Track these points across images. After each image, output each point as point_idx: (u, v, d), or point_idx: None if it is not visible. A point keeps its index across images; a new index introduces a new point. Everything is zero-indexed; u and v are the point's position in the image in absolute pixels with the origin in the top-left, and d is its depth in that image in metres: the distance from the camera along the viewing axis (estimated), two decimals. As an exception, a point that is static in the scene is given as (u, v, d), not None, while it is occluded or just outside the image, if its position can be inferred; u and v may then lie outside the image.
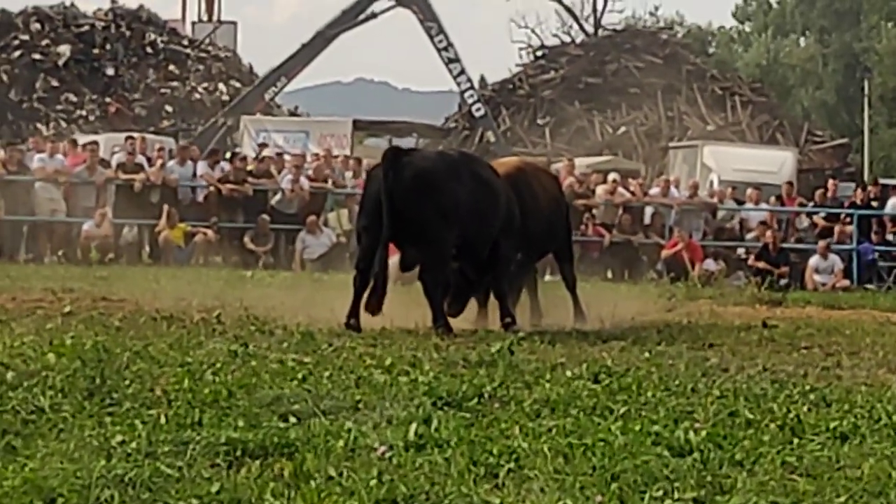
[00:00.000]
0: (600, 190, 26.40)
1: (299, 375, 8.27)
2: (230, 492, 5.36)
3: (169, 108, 45.54)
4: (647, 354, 10.50)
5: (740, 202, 27.28)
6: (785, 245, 25.37)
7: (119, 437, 6.09)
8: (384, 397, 7.56)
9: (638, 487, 5.58)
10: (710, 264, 24.79)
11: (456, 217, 12.39)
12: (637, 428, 6.66)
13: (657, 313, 15.66)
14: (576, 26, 57.82)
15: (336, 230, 25.12)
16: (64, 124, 42.98)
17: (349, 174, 27.05)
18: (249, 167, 26.39)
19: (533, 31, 58.22)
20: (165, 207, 24.13)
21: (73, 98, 44.61)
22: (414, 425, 6.44)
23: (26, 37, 45.60)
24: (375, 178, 12.42)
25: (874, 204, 26.86)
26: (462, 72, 40.41)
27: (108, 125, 41.63)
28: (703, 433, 6.51)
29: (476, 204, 12.59)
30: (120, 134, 32.10)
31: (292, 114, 46.49)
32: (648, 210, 26.59)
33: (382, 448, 6.04)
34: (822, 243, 24.97)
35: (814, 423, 7.11)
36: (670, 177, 30.08)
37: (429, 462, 5.85)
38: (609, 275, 24.46)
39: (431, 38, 39.90)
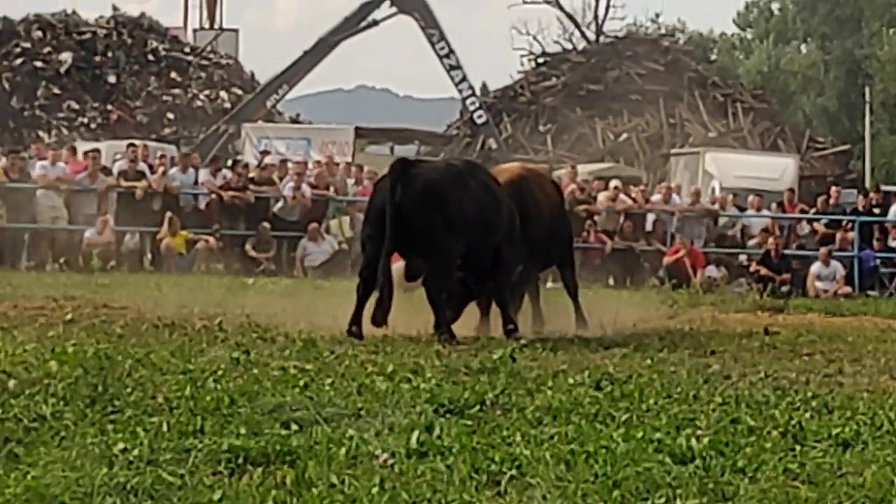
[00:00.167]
0: (602, 197, 26.41)
1: (301, 383, 8.28)
2: (232, 499, 5.36)
3: (170, 116, 45.53)
4: (648, 361, 10.50)
5: (742, 209, 27.27)
6: (786, 252, 25.37)
7: (121, 445, 6.09)
8: (386, 404, 7.56)
9: (640, 495, 5.58)
10: (711, 271, 24.80)
11: (463, 228, 12.46)
12: (639, 435, 6.66)
13: (659, 320, 15.66)
14: (577, 33, 57.86)
15: (338, 237, 25.12)
16: (65, 132, 42.99)
17: (351, 181, 27.06)
18: (251, 174, 26.39)
19: (534, 38, 58.20)
20: (167, 215, 24.12)
21: (74, 105, 44.61)
22: (416, 433, 6.44)
23: (28, 44, 45.61)
24: (383, 189, 12.43)
25: (876, 211, 26.84)
26: (464, 79, 40.39)
27: (110, 133, 41.64)
28: (706, 440, 6.50)
29: (481, 214, 12.66)
30: (122, 141, 32.06)
31: (294, 121, 46.46)
32: (650, 217, 26.60)
33: (384, 455, 6.04)
34: (823, 250, 24.97)
35: (816, 430, 7.11)
36: (672, 184, 30.09)
37: (431, 469, 5.85)
38: (611, 281, 24.47)
39: (433, 45, 39.90)
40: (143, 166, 25.53)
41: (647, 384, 8.82)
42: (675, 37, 60.52)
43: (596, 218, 25.86)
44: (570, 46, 54.04)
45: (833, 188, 28.88)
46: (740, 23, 72.40)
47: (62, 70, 45.18)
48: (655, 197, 27.12)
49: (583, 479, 5.78)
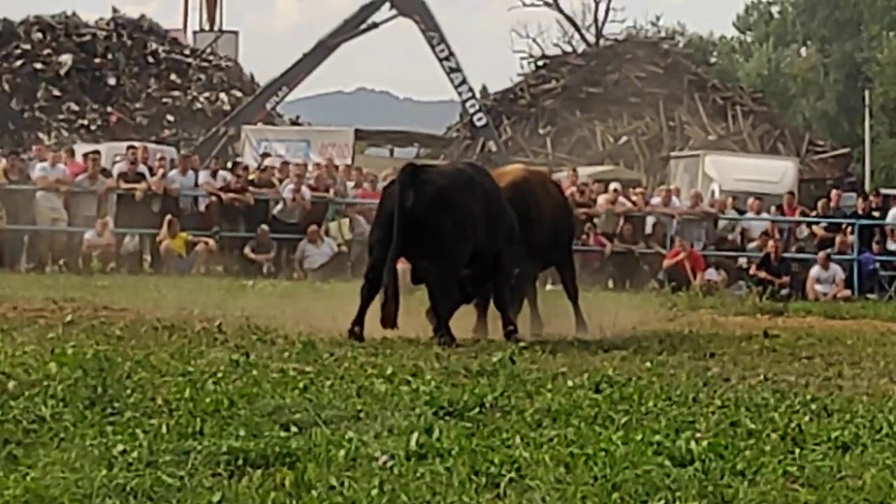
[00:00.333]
0: (601, 199, 26.41)
1: (300, 385, 8.28)
2: (231, 501, 5.36)
3: (170, 118, 45.54)
4: (648, 364, 10.51)
5: (742, 212, 27.27)
6: (786, 255, 25.36)
7: (120, 447, 6.10)
8: (385, 407, 7.57)
9: (639, 497, 5.58)
10: (711, 274, 24.79)
11: (471, 232, 12.53)
12: (638, 438, 6.66)
13: (658, 323, 15.67)
14: (577, 36, 57.97)
15: (337, 240, 25.12)
16: (65, 133, 42.99)
17: (350, 184, 27.06)
18: (251, 176, 26.39)
19: (534, 40, 58.34)
20: (167, 217, 24.11)
21: (74, 107, 44.62)
22: (415, 435, 6.44)
23: (28, 46, 45.62)
24: (393, 193, 12.47)
25: (875, 214, 26.84)
26: (463, 81, 40.40)
27: (110, 134, 41.65)
28: (705, 443, 6.50)
29: (486, 217, 12.72)
30: (121, 143, 32.08)
31: (294, 123, 46.47)
32: (650, 220, 26.59)
33: (384, 457, 6.04)
34: (822, 254, 24.96)
35: (815, 433, 7.11)
36: (671, 186, 30.08)
37: (430, 471, 5.85)
38: (610, 284, 24.46)
39: (433, 47, 39.91)
40: (142, 168, 25.51)
41: (646, 387, 8.83)
42: (675, 40, 60.51)
43: (595, 220, 25.85)
44: (569, 49, 54.12)
45: (834, 191, 28.85)
46: (740, 26, 72.47)
47: (62, 72, 45.19)
48: (655, 200, 27.11)
49: (582, 481, 5.78)
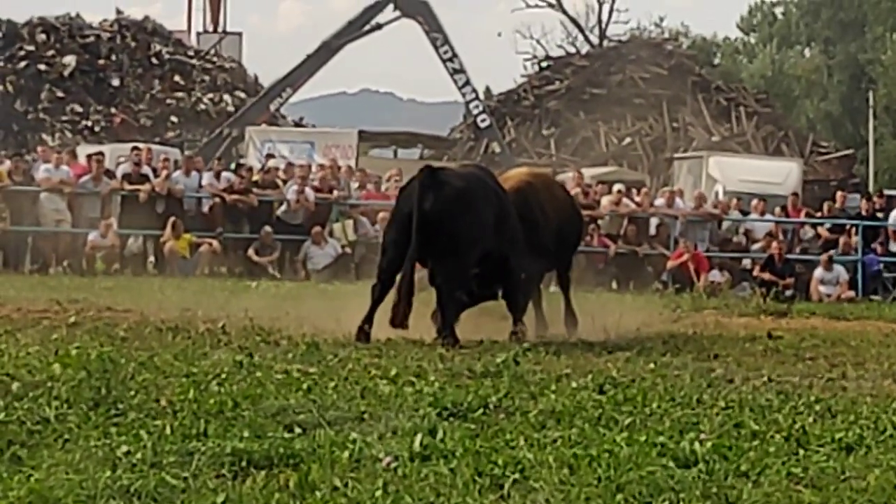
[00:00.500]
0: (605, 200, 26.39)
1: (304, 386, 8.29)
2: (235, 502, 5.37)
3: (174, 119, 45.55)
4: (652, 365, 10.50)
5: (745, 213, 27.25)
6: (790, 256, 25.34)
7: (124, 448, 6.10)
8: (389, 408, 7.57)
9: (643, 498, 5.58)
10: (715, 275, 24.77)
11: (484, 235, 12.58)
12: (642, 439, 6.67)
13: (662, 324, 15.65)
14: (581, 37, 57.90)
15: (341, 241, 25.11)
16: (69, 135, 43.00)
17: (355, 185, 27.06)
18: (254, 178, 26.39)
19: (538, 41, 58.28)
20: (170, 218, 24.10)
21: (78, 109, 44.64)
22: (419, 436, 6.44)
23: (32, 47, 45.64)
24: (409, 194, 12.51)
25: (879, 215, 26.82)
26: (467, 82, 40.40)
27: (114, 136, 41.64)
28: (709, 444, 6.50)
29: (495, 220, 12.76)
30: (125, 144, 32.12)
31: (297, 124, 46.48)
32: (653, 221, 26.58)
33: (387, 459, 6.04)
34: (823, 256, 24.93)
35: (819, 434, 7.11)
36: (675, 187, 30.06)
37: (434, 473, 5.85)
38: (614, 285, 24.45)
39: (437, 48, 39.91)
40: (146, 169, 25.51)
41: (650, 388, 8.83)
42: (679, 41, 60.50)
43: (599, 222, 25.84)
44: (573, 50, 54.03)
45: (839, 193, 28.82)
46: (744, 27, 72.44)
47: (66, 73, 45.21)
48: (659, 201, 27.08)
49: (586, 482, 5.78)
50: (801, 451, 6.64)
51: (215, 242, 24.34)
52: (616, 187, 27.07)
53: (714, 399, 8.44)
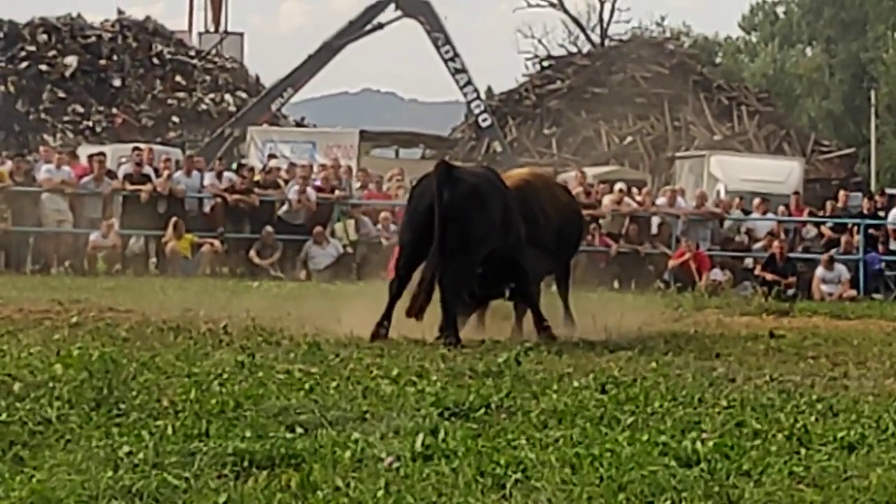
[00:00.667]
0: (607, 200, 26.40)
1: (306, 386, 8.29)
2: (237, 502, 5.37)
3: (175, 119, 45.55)
4: (653, 364, 10.50)
5: (747, 212, 27.25)
6: (792, 255, 25.33)
7: (126, 448, 6.10)
8: (391, 408, 7.57)
9: (645, 498, 5.58)
10: (716, 274, 24.77)
11: (493, 233, 12.68)
12: (644, 438, 6.67)
13: (664, 323, 15.65)
14: (582, 37, 57.84)
15: (342, 241, 25.11)
16: (71, 135, 43.00)
17: (356, 185, 27.07)
18: (256, 178, 26.40)
19: (539, 41, 58.24)
20: (172, 218, 24.11)
21: (79, 109, 44.64)
22: (421, 436, 6.44)
23: (33, 48, 45.65)
24: (424, 192, 12.55)
25: (881, 214, 26.81)
26: (468, 82, 40.42)
27: (115, 136, 41.66)
28: (711, 443, 6.50)
29: (504, 220, 12.81)
30: (127, 145, 32.12)
31: (299, 124, 46.47)
32: (655, 220, 26.58)
33: (389, 459, 6.04)
34: (824, 256, 24.91)
35: (821, 434, 7.11)
36: (677, 187, 30.06)
37: (436, 473, 5.85)
38: (616, 285, 24.44)
39: (438, 48, 39.93)
40: (147, 170, 25.52)
41: (652, 387, 8.83)
42: (680, 40, 60.44)
43: (601, 221, 25.84)
44: (574, 50, 54.01)
45: (841, 192, 28.81)
46: (745, 26, 72.38)
47: (67, 74, 45.22)
48: (660, 200, 27.09)
49: (588, 482, 5.78)
50: (803, 451, 6.64)
51: (217, 242, 24.35)
52: (617, 186, 27.07)
53: (716, 398, 8.44)
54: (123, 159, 27.63)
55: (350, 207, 26.09)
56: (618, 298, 19.62)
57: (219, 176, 25.80)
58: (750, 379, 9.85)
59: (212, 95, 46.76)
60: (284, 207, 25.45)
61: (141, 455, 5.99)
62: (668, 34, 60.69)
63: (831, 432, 7.13)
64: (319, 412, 7.21)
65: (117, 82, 46.07)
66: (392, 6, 39.84)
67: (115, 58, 46.71)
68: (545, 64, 50.22)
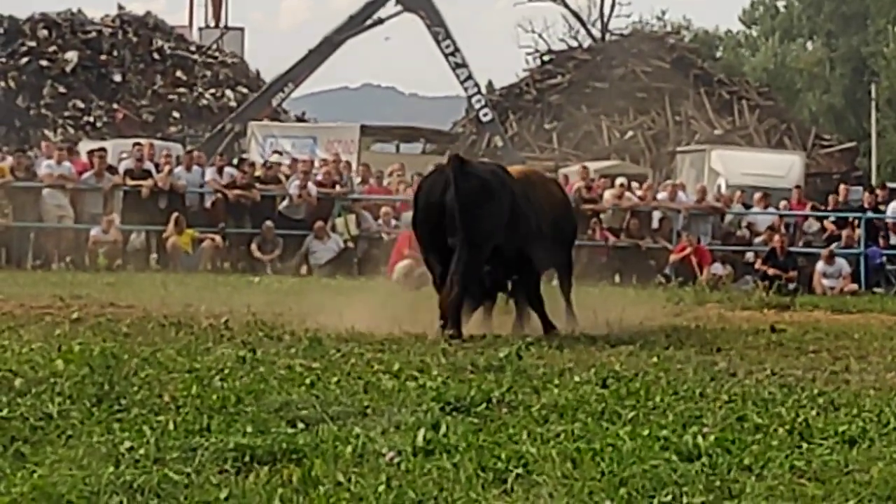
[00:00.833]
0: (608, 194, 26.39)
1: (307, 381, 8.29)
2: (239, 498, 5.36)
3: (176, 114, 45.56)
4: (655, 359, 10.50)
5: (748, 206, 27.25)
6: (793, 249, 25.33)
7: (127, 444, 6.10)
8: (392, 403, 7.57)
9: (646, 492, 5.58)
10: (717, 268, 24.76)
11: (500, 228, 12.71)
12: (645, 433, 6.66)
13: (665, 318, 15.64)
14: (583, 31, 57.78)
15: (343, 235, 25.09)
16: (71, 131, 43.01)
17: (357, 180, 27.07)
18: (257, 173, 26.39)
19: (540, 35, 58.17)
20: (173, 214, 24.11)
21: (80, 104, 44.64)
22: (422, 431, 6.44)
23: (33, 43, 45.64)
24: (433, 188, 12.59)
25: (882, 207, 26.79)
26: (469, 77, 40.38)
27: (116, 131, 41.67)
28: (712, 438, 6.50)
29: (512, 216, 12.82)
30: (127, 140, 32.11)
31: (299, 119, 46.47)
32: (656, 214, 26.58)
33: (391, 454, 6.04)
34: (825, 251, 24.91)
35: (822, 428, 7.11)
36: (678, 181, 30.06)
37: (437, 467, 5.85)
38: (617, 279, 24.44)
39: (438, 43, 39.89)
40: (148, 165, 25.52)
41: (653, 382, 8.83)
42: (681, 34, 60.41)
43: (602, 215, 25.83)
44: (575, 44, 54.01)
45: (842, 186, 28.79)
46: (746, 20, 72.32)
47: (68, 69, 45.21)
48: (661, 194, 27.09)
49: (589, 476, 5.78)
50: (805, 445, 6.64)
51: (218, 238, 24.35)
52: (618, 181, 27.08)
53: (717, 393, 8.44)
54: (124, 155, 27.62)
55: (351, 202, 26.08)
56: (619, 293, 19.64)
57: (220, 171, 25.80)
58: (751, 373, 9.84)
59: (212, 91, 46.76)
60: (285, 202, 25.45)
61: (142, 450, 5.99)
62: (668, 28, 60.59)
63: (832, 426, 7.13)
64: (321, 407, 7.20)
65: (118, 78, 46.07)
66: (392, 1, 39.81)
67: (115, 53, 46.72)
68: (546, 58, 50.21)
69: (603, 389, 8.38)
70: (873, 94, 56.11)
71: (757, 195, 27.34)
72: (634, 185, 27.70)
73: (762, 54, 66.10)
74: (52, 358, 8.48)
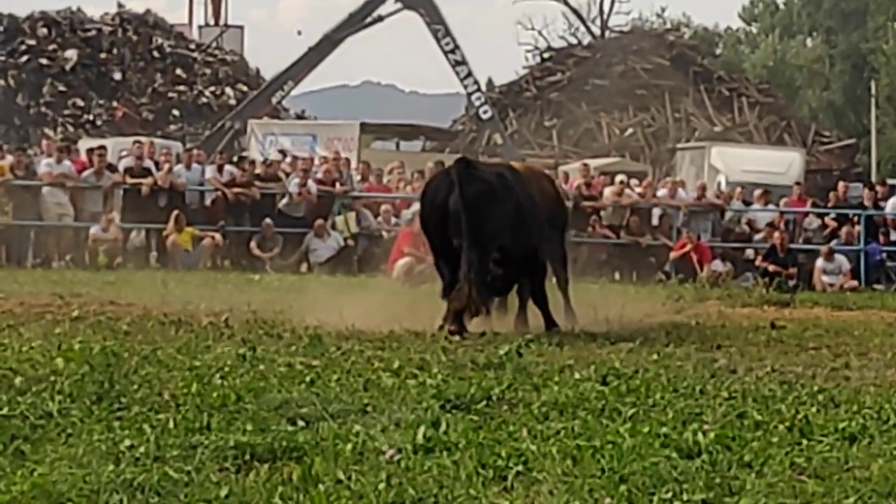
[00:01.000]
0: (608, 191, 26.38)
1: (307, 379, 8.29)
2: (239, 496, 5.36)
3: (176, 112, 45.60)
4: (655, 356, 10.49)
5: (748, 203, 27.24)
6: (793, 246, 25.33)
7: (127, 442, 6.10)
8: (392, 400, 7.57)
9: (647, 489, 5.58)
10: (717, 265, 24.76)
11: (505, 228, 12.72)
12: (645, 430, 6.66)
13: (665, 315, 15.63)
14: (582, 28, 57.78)
15: (343, 233, 25.09)
16: (71, 129, 43.04)
17: (357, 177, 27.07)
18: (257, 171, 26.38)
19: (540, 33, 58.17)
20: (173, 211, 24.10)
21: (80, 103, 44.68)
22: (422, 428, 6.44)
23: (33, 42, 45.68)
24: (439, 191, 12.61)
25: (882, 204, 26.79)
26: (469, 74, 40.41)
27: (116, 129, 41.69)
28: (712, 435, 6.50)
29: (517, 218, 12.84)
30: (127, 138, 32.11)
31: (299, 117, 46.50)
32: (656, 211, 26.57)
33: (391, 451, 6.04)
34: (824, 248, 24.91)
35: (822, 424, 7.11)
36: (678, 178, 30.06)
37: (437, 465, 5.85)
38: (617, 276, 24.44)
39: (438, 40, 39.92)
40: (148, 163, 25.49)
41: (653, 379, 8.83)
42: (681, 31, 60.42)
43: (602, 213, 25.83)
44: (575, 41, 54.00)
45: (841, 183, 28.79)
46: (746, 17, 72.35)
47: (67, 67, 45.25)
48: (661, 191, 27.07)
49: (589, 474, 5.78)
50: (805, 441, 6.64)
51: (218, 236, 24.34)
52: (618, 178, 27.08)
53: (717, 389, 8.44)
54: (124, 153, 27.61)
55: (351, 200, 26.07)
56: (619, 290, 19.62)
57: (219, 169, 25.78)
58: (751, 370, 9.84)
59: (212, 88, 46.79)
60: (285, 200, 25.43)
61: (142, 449, 5.99)
62: (668, 25, 60.65)
63: (833, 423, 7.13)
64: (321, 405, 7.20)
65: (118, 76, 46.11)
66: (392, -2, 39.86)
67: (115, 51, 46.76)
68: (546, 56, 50.28)
69: (603, 387, 8.38)
70: (873, 91, 56.12)
71: (757, 192, 27.33)
72: (634, 182, 27.67)
73: (762, 51, 66.12)
74: (52, 356, 8.48)
